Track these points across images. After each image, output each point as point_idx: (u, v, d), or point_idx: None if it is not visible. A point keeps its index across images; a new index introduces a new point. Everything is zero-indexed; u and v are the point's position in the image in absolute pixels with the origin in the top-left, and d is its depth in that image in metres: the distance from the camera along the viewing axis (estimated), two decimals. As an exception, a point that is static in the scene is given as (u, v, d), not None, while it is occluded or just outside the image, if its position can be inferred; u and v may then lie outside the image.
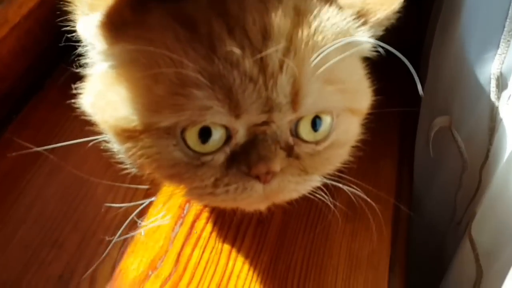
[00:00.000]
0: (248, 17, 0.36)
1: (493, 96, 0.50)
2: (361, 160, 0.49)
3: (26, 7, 0.59)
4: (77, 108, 0.46)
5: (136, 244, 0.51)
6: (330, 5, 0.40)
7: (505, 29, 0.48)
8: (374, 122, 0.51)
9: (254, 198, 0.39)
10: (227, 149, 0.38)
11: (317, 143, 0.40)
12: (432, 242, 0.64)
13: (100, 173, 0.55)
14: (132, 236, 0.51)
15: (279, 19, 0.36)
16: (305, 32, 0.37)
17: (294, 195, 0.42)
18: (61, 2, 0.57)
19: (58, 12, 0.58)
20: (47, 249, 0.50)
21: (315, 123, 0.39)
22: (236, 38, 0.36)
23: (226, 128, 0.38)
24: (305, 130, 0.39)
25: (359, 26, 0.40)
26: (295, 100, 0.37)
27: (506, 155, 0.48)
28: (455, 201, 0.60)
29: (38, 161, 0.56)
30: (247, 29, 0.36)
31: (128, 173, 0.56)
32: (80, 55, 0.54)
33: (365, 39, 0.41)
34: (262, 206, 0.43)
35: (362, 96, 0.43)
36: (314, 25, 0.37)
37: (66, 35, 0.55)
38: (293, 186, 0.40)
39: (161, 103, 0.37)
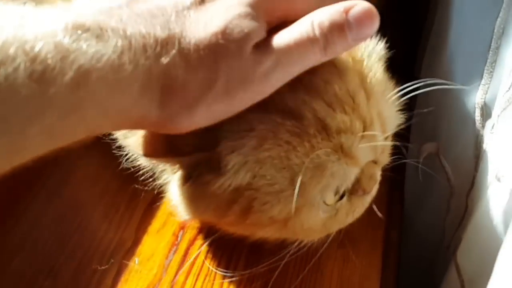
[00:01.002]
0: (334, 86, 0.41)
1: (478, 125, 0.52)
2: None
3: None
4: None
5: (130, 272, 0.52)
6: None
7: (488, 60, 0.50)
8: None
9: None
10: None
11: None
12: (421, 266, 0.65)
13: (95, 201, 0.56)
14: (126, 264, 0.52)
15: (351, 79, 0.41)
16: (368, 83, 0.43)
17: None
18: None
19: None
20: (42, 278, 0.51)
21: None
22: (337, 108, 0.40)
23: None
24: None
25: None
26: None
27: (490, 183, 0.50)
28: (444, 225, 0.62)
29: (35, 188, 0.57)
30: (339, 96, 0.40)
31: (122, 201, 0.58)
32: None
33: None
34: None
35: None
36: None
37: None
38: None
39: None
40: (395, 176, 0.67)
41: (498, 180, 0.46)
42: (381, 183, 0.64)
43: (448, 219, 0.60)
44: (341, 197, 0.46)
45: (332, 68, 0.41)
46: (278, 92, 0.38)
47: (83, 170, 0.60)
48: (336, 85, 0.41)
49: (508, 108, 0.47)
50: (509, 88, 0.47)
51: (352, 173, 0.43)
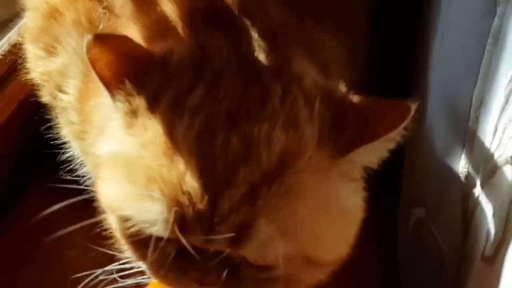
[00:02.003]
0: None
1: (463, 193, 0.52)
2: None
3: (3, 117, 0.61)
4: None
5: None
6: None
7: (468, 130, 0.51)
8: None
9: None
10: (177, 244, 0.40)
11: (261, 270, 0.41)
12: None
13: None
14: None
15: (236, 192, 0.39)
16: None
17: None
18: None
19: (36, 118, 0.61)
20: None
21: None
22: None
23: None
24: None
25: None
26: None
27: (479, 252, 0.49)
28: None
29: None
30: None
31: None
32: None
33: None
34: None
35: (325, 247, 0.44)
36: None
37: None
38: None
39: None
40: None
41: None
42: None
43: (443, 285, 0.59)
44: None
45: None
46: None
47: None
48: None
49: (491, 180, 0.47)
50: (491, 160, 0.47)
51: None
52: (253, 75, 0.43)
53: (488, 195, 0.48)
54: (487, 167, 0.48)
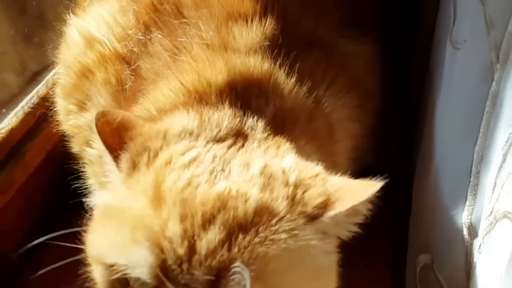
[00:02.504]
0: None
1: (466, 243, 0.56)
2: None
3: (31, 167, 0.65)
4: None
5: None
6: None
7: (470, 183, 0.55)
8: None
9: None
10: None
11: None
12: None
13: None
14: None
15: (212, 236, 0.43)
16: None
17: None
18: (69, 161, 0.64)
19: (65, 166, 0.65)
20: None
21: None
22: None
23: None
24: None
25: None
26: None
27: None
28: None
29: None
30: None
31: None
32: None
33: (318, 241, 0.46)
34: None
35: None
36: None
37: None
38: None
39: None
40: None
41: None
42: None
43: None
44: None
45: None
46: None
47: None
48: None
49: (491, 232, 0.51)
50: (491, 213, 0.51)
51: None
52: (246, 148, 0.49)
53: (488, 247, 0.52)
54: (487, 219, 0.52)
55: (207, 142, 0.48)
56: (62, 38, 0.66)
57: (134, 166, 0.46)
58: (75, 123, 0.62)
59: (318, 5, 0.65)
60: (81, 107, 0.61)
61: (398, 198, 0.74)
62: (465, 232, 0.56)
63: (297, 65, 0.54)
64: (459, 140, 0.56)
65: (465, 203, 0.56)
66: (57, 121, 0.65)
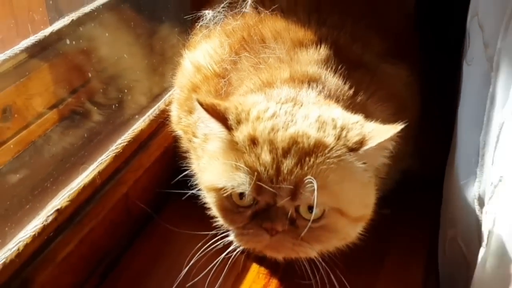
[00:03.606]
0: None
1: (477, 212, 0.72)
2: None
3: (153, 156, 0.90)
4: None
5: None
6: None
7: (479, 164, 0.72)
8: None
9: (263, 244, 0.69)
10: (253, 208, 0.67)
11: (312, 221, 0.66)
12: None
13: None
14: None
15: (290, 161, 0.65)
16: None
17: (293, 254, 0.69)
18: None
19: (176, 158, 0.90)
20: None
21: (311, 208, 0.66)
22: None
23: (254, 198, 0.67)
24: (304, 210, 0.66)
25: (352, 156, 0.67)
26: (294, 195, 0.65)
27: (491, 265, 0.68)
28: None
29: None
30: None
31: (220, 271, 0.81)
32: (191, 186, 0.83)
33: (359, 165, 0.67)
34: (278, 255, 0.72)
35: (351, 205, 0.68)
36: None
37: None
38: (290, 245, 0.67)
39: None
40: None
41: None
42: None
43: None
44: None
45: None
46: None
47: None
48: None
49: (493, 197, 0.67)
50: (491, 183, 0.68)
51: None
52: (304, 106, 0.71)
53: (490, 211, 0.68)
54: (490, 188, 0.68)
55: (277, 103, 0.71)
56: (178, 68, 0.93)
57: (238, 122, 0.70)
58: (186, 122, 0.86)
59: (366, 39, 0.87)
60: (190, 111, 0.86)
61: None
62: (476, 203, 0.72)
63: (345, 73, 0.76)
64: (471, 131, 0.74)
65: (475, 179, 0.73)
66: (171, 126, 0.91)
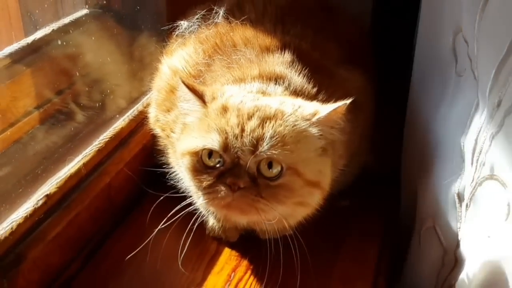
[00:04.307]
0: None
1: (457, 205, 0.83)
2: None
3: (133, 151, 0.99)
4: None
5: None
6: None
7: (460, 163, 0.83)
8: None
9: (227, 201, 0.77)
10: (220, 169, 0.77)
11: (271, 179, 0.77)
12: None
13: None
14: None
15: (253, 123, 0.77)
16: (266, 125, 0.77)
17: (254, 212, 0.78)
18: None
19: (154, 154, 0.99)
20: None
21: (271, 166, 0.76)
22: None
23: (221, 156, 0.77)
24: (264, 168, 0.76)
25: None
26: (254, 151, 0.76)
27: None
28: (437, 276, 0.89)
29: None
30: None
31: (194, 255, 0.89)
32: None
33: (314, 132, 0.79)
34: (241, 217, 0.83)
35: (306, 167, 0.79)
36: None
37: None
38: (251, 201, 0.76)
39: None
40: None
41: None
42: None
43: (441, 272, 0.88)
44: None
45: None
46: None
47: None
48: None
49: (475, 194, 0.78)
50: (473, 180, 0.79)
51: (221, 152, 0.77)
52: (270, 96, 0.83)
53: (474, 204, 0.79)
54: (470, 185, 0.79)
55: (248, 92, 0.83)
56: (156, 72, 1.03)
57: (213, 98, 0.81)
58: (164, 120, 0.95)
59: (325, 47, 0.98)
60: (168, 110, 0.95)
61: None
62: (456, 198, 0.84)
63: (308, 74, 0.87)
64: (456, 135, 0.85)
65: (457, 178, 0.84)
66: (149, 126, 1.00)
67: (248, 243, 0.93)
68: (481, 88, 0.76)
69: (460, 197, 0.83)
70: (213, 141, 0.77)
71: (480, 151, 0.77)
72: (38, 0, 1.05)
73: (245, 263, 0.90)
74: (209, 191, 0.78)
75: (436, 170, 0.91)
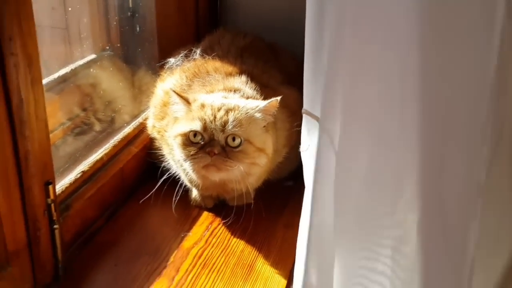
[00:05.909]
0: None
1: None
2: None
3: (138, 148, 1.41)
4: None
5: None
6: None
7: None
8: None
9: (206, 162, 1.19)
10: (201, 143, 1.20)
11: (234, 147, 1.20)
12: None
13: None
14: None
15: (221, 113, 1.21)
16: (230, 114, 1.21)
17: (224, 170, 1.21)
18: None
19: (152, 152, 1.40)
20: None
21: (234, 139, 1.20)
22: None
23: (202, 135, 1.20)
24: (230, 140, 1.20)
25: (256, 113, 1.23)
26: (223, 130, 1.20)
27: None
28: None
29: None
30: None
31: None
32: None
33: (259, 117, 1.24)
34: (215, 175, 1.23)
35: (255, 138, 1.23)
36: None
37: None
38: (222, 161, 1.18)
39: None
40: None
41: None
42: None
43: None
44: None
45: None
46: None
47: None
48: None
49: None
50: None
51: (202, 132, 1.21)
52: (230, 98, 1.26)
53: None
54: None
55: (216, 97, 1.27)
56: (152, 95, 1.46)
57: (194, 100, 1.24)
58: (160, 126, 1.38)
59: (271, 72, 1.44)
60: (162, 118, 1.38)
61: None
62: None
63: (258, 89, 1.32)
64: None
65: None
66: (147, 132, 1.43)
67: (220, 209, 1.34)
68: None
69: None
70: (196, 126, 1.20)
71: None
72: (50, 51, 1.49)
73: (218, 219, 1.31)
74: (194, 157, 1.21)
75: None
